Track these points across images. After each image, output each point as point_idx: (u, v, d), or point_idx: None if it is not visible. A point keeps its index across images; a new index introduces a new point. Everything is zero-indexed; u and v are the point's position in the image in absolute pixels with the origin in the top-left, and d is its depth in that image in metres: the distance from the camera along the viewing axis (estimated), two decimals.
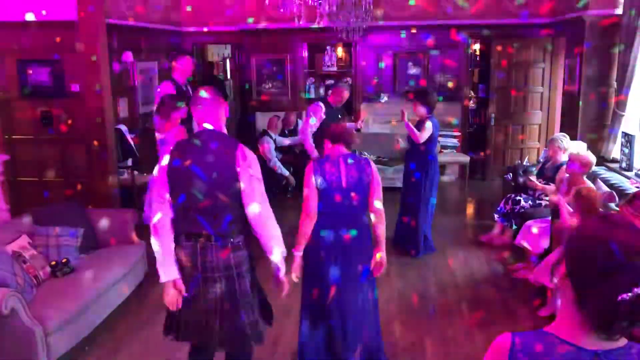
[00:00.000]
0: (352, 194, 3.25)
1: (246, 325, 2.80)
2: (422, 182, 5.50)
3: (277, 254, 2.80)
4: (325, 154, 3.40)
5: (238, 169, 2.69)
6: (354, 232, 3.28)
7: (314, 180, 3.23)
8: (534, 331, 1.30)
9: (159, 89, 5.42)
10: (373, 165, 3.37)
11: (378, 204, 3.32)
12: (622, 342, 1.25)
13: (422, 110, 5.45)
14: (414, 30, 8.45)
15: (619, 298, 1.15)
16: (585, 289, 1.21)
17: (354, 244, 3.30)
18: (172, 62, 5.60)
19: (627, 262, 1.16)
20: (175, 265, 2.75)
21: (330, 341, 3.42)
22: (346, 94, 6.06)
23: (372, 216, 3.33)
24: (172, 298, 2.77)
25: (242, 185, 2.70)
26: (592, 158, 4.84)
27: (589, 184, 4.84)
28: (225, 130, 2.87)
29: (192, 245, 2.73)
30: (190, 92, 5.70)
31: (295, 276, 3.27)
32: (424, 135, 5.40)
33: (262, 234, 2.76)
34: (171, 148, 2.79)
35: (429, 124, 5.40)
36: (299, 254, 3.29)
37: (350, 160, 3.30)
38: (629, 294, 1.15)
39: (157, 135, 4.91)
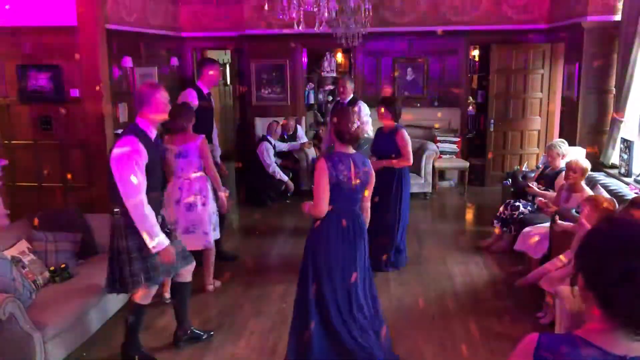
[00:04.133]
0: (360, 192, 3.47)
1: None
2: (399, 193, 5.27)
3: None
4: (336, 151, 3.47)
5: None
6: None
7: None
8: (563, 333, 1.32)
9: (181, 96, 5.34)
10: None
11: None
12: None
13: (388, 117, 5.23)
14: (413, 36, 8.47)
15: None
16: (610, 294, 1.21)
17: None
18: (201, 68, 5.54)
19: None
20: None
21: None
22: (345, 84, 6.17)
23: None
24: None
25: None
26: (586, 163, 4.91)
27: (588, 190, 4.86)
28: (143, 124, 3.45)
29: None
30: (213, 102, 5.69)
31: None
32: (409, 150, 5.19)
33: None
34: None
35: (405, 135, 5.19)
36: None
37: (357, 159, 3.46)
38: None
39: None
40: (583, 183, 4.89)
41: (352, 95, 6.25)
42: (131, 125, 3.49)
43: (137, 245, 3.41)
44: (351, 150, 3.46)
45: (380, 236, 5.09)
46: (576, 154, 5.74)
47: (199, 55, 9.18)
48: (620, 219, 1.30)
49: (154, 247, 3.35)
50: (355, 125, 3.38)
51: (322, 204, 3.34)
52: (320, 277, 3.42)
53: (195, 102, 5.19)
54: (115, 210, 3.41)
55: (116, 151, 3.30)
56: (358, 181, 3.39)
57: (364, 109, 6.11)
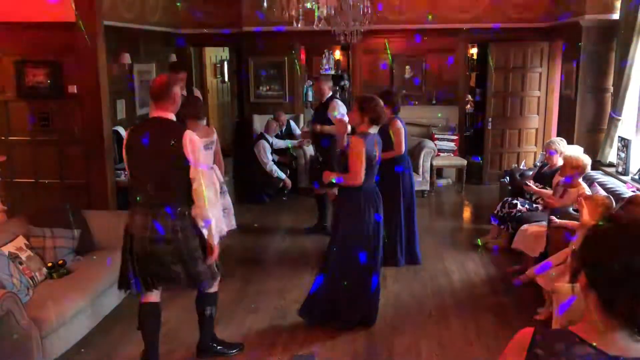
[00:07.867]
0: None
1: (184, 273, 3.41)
2: (405, 186, 5.33)
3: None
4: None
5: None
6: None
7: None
8: (557, 329, 1.31)
9: None
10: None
11: None
12: None
13: (386, 110, 5.23)
14: (411, 34, 8.47)
15: None
16: (613, 292, 1.19)
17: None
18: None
19: None
20: None
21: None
22: (322, 86, 6.08)
23: None
24: None
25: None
26: (586, 160, 4.87)
27: (584, 185, 4.87)
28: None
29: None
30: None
31: None
32: (401, 140, 5.22)
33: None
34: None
35: (398, 124, 5.23)
36: None
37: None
38: None
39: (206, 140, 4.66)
40: (580, 179, 4.90)
41: (330, 93, 6.15)
42: (172, 121, 3.39)
43: (204, 242, 3.43)
44: (374, 130, 4.10)
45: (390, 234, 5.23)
46: (575, 151, 5.74)
47: (197, 52, 9.19)
48: (623, 217, 1.29)
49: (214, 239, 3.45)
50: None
51: (360, 174, 3.95)
52: (348, 240, 4.06)
53: None
54: (181, 210, 3.31)
55: (194, 142, 3.30)
56: (379, 155, 4.12)
57: (341, 108, 6.04)
